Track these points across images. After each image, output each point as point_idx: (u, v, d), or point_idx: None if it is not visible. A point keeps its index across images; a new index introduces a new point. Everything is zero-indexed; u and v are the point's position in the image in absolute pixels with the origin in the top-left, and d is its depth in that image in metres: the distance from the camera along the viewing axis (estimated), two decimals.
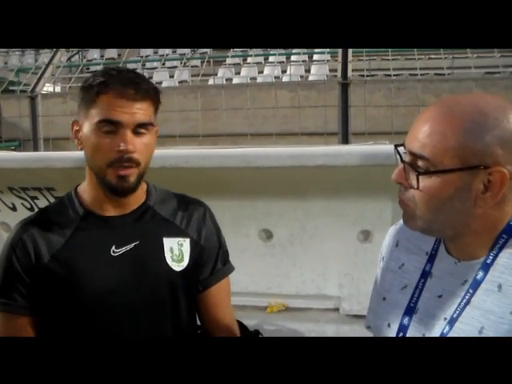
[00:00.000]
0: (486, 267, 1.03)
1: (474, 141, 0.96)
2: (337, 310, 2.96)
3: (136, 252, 1.41)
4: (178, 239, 1.46)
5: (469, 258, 1.07)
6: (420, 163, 1.01)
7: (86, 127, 1.34)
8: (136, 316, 1.40)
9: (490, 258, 1.03)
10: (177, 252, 1.45)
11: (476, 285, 1.03)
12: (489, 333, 0.98)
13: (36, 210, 3.04)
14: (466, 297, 1.04)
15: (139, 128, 1.34)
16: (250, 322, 1.86)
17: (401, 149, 1.07)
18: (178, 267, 1.44)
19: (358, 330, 2.80)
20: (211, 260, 1.53)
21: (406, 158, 1.04)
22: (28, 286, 1.37)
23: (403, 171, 1.04)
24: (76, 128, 1.39)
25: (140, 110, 1.33)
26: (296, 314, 2.96)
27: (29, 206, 3.11)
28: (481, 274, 1.03)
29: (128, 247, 1.40)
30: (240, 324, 1.68)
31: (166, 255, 1.44)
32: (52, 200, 3.00)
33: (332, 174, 2.54)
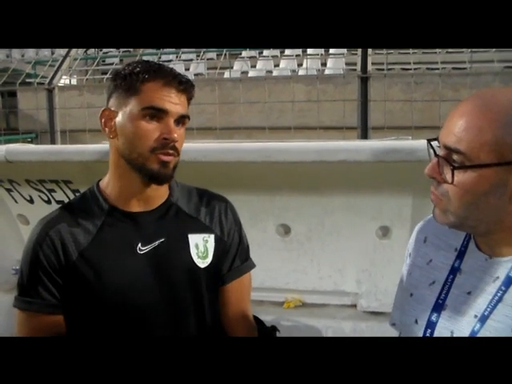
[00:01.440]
0: None
1: None
2: (354, 306, 2.94)
3: (162, 249, 1.39)
4: (203, 235, 1.45)
5: (501, 254, 1.05)
6: (455, 157, 0.99)
7: (126, 114, 1.33)
8: (161, 313, 1.39)
9: None
10: (202, 248, 1.44)
11: (509, 282, 1.01)
12: None
13: (53, 202, 3.06)
14: (498, 294, 1.02)
15: (180, 119, 1.35)
16: (267, 318, 1.85)
17: (434, 143, 1.05)
18: (202, 264, 1.43)
19: (376, 327, 2.80)
20: (231, 256, 1.52)
21: (441, 152, 1.02)
22: (55, 283, 1.35)
23: (437, 165, 1.02)
24: (108, 116, 1.37)
25: (182, 102, 1.34)
26: (313, 309, 2.95)
27: (46, 199, 3.12)
28: None
29: (154, 245, 1.39)
30: (257, 319, 1.66)
31: (191, 252, 1.43)
32: (69, 192, 3.01)
33: (351, 169, 2.52)
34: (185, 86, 1.34)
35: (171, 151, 1.33)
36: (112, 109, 1.36)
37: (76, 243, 1.36)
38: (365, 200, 2.72)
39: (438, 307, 1.12)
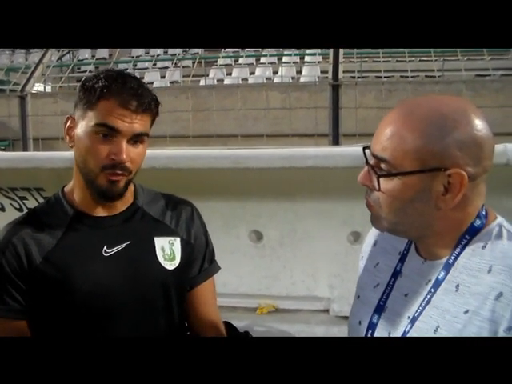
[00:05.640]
0: (448, 267, 1.05)
1: (433, 143, 0.97)
2: (327, 311, 2.95)
3: (128, 252, 1.41)
4: (168, 238, 1.47)
5: (434, 257, 1.08)
6: (383, 166, 1.02)
7: (82, 127, 1.33)
8: (129, 315, 1.40)
9: (452, 258, 1.05)
10: (168, 251, 1.45)
11: (437, 284, 1.05)
12: (443, 332, 1.00)
13: (25, 210, 3.02)
14: (428, 296, 1.06)
15: (135, 138, 1.34)
16: (240, 324, 1.86)
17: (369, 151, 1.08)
18: (170, 266, 1.45)
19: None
20: (199, 259, 1.54)
21: (371, 161, 1.05)
22: (19, 288, 1.35)
23: (368, 173, 1.06)
24: (70, 124, 1.37)
25: (139, 121, 1.32)
26: (286, 315, 2.96)
27: (18, 207, 3.09)
28: (442, 273, 1.05)
29: (120, 247, 1.40)
30: (230, 325, 1.67)
31: (157, 254, 1.44)
32: (41, 200, 2.98)
33: (322, 175, 2.54)
34: (144, 107, 1.32)
35: (120, 171, 1.33)
36: (75, 118, 1.37)
37: (40, 248, 1.36)
38: (336, 206, 2.75)
39: (380, 309, 1.15)
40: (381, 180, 1.02)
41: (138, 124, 1.32)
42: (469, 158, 0.98)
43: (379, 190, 1.03)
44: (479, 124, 0.99)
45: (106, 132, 1.30)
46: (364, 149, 1.08)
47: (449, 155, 0.97)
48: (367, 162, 1.06)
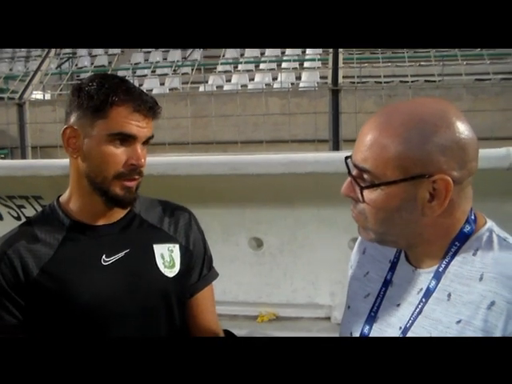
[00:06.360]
0: (438, 276, 1.01)
1: (414, 150, 0.93)
2: (328, 318, 2.94)
3: (127, 260, 1.38)
4: (167, 245, 1.45)
5: (424, 266, 1.05)
6: (365, 176, 0.98)
7: (92, 137, 1.30)
8: (130, 324, 1.37)
9: (443, 266, 1.01)
10: (168, 258, 1.43)
11: (428, 293, 1.02)
12: None
13: (23, 218, 3.01)
14: (420, 306, 1.02)
15: (145, 141, 1.34)
16: (241, 332, 1.84)
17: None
18: (170, 273, 1.42)
19: None
20: (198, 265, 1.51)
21: (353, 171, 1.01)
22: (16, 302, 1.32)
23: (351, 184, 1.01)
24: (71, 134, 1.33)
25: (148, 125, 1.33)
26: (287, 323, 2.94)
27: (15, 215, 3.08)
28: (433, 282, 1.02)
29: (119, 256, 1.38)
30: (230, 334, 1.65)
31: (157, 262, 1.42)
32: (39, 208, 2.97)
33: (322, 181, 2.52)
34: (153, 111, 1.33)
35: (137, 176, 1.33)
36: (75, 127, 1.32)
37: (36, 259, 1.33)
38: (336, 212, 2.72)
39: (371, 320, 1.12)
40: (364, 191, 0.98)
41: (149, 127, 1.33)
42: (453, 161, 0.94)
43: (363, 201, 0.99)
44: (461, 126, 0.95)
45: (122, 140, 1.29)
46: (346, 158, 1.03)
47: (432, 161, 0.93)
48: (349, 173, 1.01)
